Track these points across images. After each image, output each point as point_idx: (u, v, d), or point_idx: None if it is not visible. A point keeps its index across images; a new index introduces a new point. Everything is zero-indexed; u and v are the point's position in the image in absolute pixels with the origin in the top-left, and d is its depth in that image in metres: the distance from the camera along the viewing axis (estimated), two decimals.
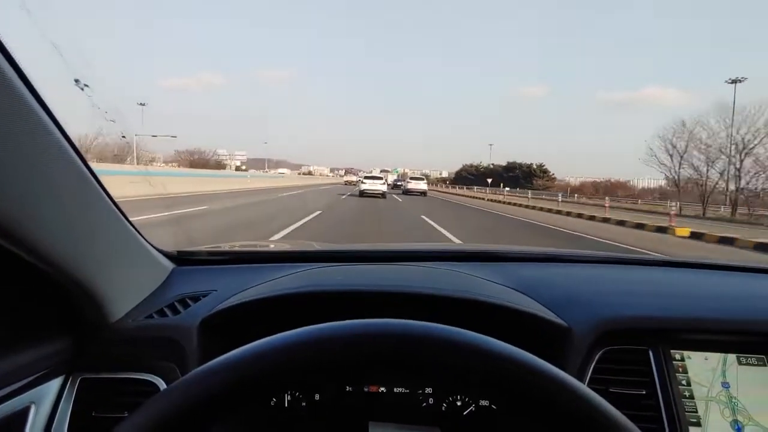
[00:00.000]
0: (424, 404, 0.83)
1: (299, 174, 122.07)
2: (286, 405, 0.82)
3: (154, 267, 0.86)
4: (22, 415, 0.61)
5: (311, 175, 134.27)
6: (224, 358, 0.36)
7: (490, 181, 44.67)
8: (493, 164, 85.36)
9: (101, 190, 0.63)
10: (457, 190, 53.10)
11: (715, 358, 0.77)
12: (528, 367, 0.36)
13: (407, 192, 30.48)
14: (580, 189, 57.22)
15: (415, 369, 0.38)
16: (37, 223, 0.51)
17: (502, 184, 46.65)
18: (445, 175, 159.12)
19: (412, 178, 36.31)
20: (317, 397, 0.83)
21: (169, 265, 0.92)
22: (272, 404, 0.82)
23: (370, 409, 0.83)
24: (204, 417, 0.34)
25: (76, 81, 0.65)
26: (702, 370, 0.76)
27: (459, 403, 0.83)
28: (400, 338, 0.37)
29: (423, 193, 29.88)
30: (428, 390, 0.84)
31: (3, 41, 0.43)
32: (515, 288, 0.87)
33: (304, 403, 0.82)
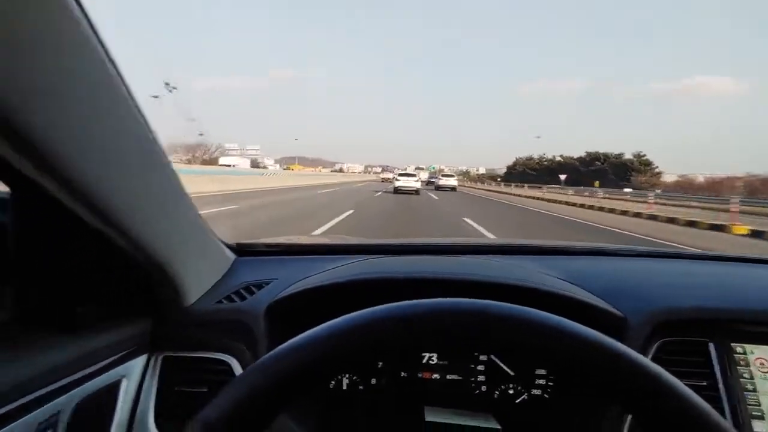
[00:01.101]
0: (477, 392, 0.86)
1: (330, 171, 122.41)
2: (344, 387, 0.87)
3: (220, 257, 0.93)
4: (115, 386, 0.68)
5: (342, 172, 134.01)
6: (306, 336, 0.38)
7: (563, 177, 36.39)
8: (562, 156, 74.47)
9: (179, 184, 0.69)
10: (512, 189, 42.97)
11: None
12: (607, 348, 0.37)
13: (438, 188, 33.71)
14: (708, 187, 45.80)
15: (514, 351, 0.38)
16: (133, 214, 0.57)
17: (597, 184, 35.26)
18: (482, 171, 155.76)
19: (443, 176, 40.11)
20: (373, 381, 0.87)
21: (232, 255, 0.99)
22: (331, 386, 0.86)
23: (424, 395, 0.86)
24: (286, 394, 0.36)
25: (166, 84, 0.71)
26: (766, 363, 0.74)
27: (511, 392, 0.85)
28: (493, 317, 0.38)
29: (453, 189, 33.45)
30: (480, 378, 0.86)
31: (108, 50, 0.48)
32: (567, 279, 0.88)
33: (361, 387, 0.86)
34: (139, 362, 0.74)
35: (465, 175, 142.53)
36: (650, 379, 0.35)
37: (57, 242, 0.61)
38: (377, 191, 23.48)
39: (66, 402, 0.58)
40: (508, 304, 0.39)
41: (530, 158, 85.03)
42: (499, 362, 0.87)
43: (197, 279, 0.81)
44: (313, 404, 0.82)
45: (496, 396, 0.86)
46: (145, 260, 0.65)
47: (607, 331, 0.77)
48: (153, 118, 0.59)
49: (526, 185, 46.28)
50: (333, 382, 0.86)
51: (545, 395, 0.85)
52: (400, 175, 25.80)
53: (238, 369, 0.76)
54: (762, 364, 0.74)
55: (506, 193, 32.65)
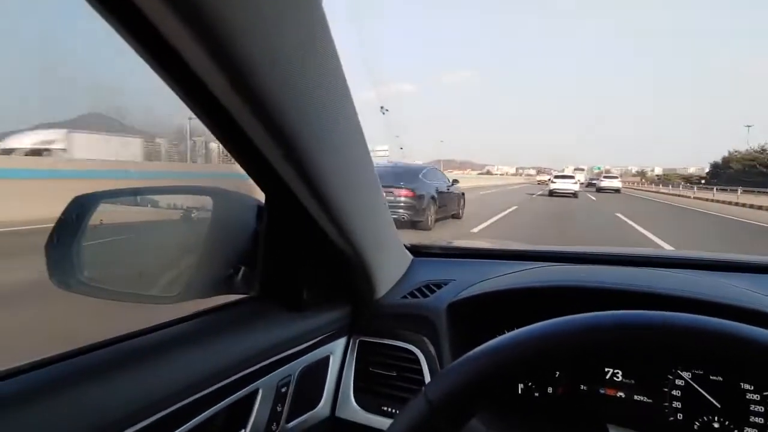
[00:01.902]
0: (671, 419, 0.77)
1: (477, 174, 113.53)
2: (519, 392, 0.87)
3: (403, 256, 1.02)
4: (325, 361, 0.82)
5: (489, 174, 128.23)
6: (527, 330, 0.40)
7: None
8: None
9: (382, 192, 0.79)
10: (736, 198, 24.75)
11: None
12: None
13: (600, 190, 31.36)
14: None
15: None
16: (352, 220, 0.69)
17: None
18: (658, 171, 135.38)
19: (605, 177, 36.91)
20: (550, 390, 0.85)
21: (410, 256, 1.07)
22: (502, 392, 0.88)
23: (608, 413, 0.81)
24: (503, 381, 0.39)
25: (381, 107, 0.83)
26: None
27: (716, 425, 0.74)
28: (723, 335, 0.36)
29: (617, 191, 30.99)
30: (676, 404, 0.77)
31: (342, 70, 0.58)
32: None
33: (536, 394, 0.86)
34: (341, 343, 0.87)
35: (641, 175, 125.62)
36: None
37: (293, 239, 0.76)
38: (532, 194, 22.50)
39: (295, 368, 0.73)
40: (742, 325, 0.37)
41: (764, 150, 57.04)
42: (699, 389, 0.76)
43: (387, 275, 0.92)
44: (493, 404, 0.84)
45: (695, 428, 0.76)
46: (353, 257, 0.77)
47: None
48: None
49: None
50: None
51: None
52: (557, 177, 24.81)
53: (422, 359, 0.83)
54: None
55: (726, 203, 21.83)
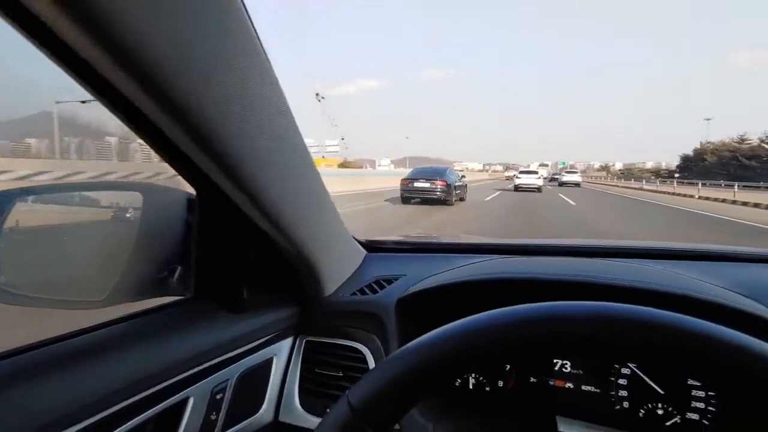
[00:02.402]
0: (618, 407, 0.79)
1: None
2: (470, 387, 0.86)
3: (354, 252, 1.00)
4: (268, 363, 0.79)
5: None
6: (455, 326, 0.39)
7: None
8: None
9: (324, 186, 0.76)
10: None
11: None
12: None
13: (562, 184, 33.42)
14: None
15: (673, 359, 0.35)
16: (291, 216, 0.66)
17: None
18: (619, 166, 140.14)
19: (566, 172, 39.92)
20: (500, 384, 0.85)
21: (363, 251, 1.05)
22: (457, 385, 0.87)
23: (557, 404, 0.81)
24: (429, 382, 0.38)
25: (317, 94, 0.80)
26: None
27: (660, 412, 0.76)
28: (651, 325, 0.35)
29: (577, 185, 32.59)
30: (622, 393, 0.78)
31: (273, 67, 0.56)
32: (734, 290, 0.75)
33: (488, 388, 0.85)
34: (286, 344, 0.84)
35: (605, 170, 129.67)
36: None
37: (229, 237, 0.72)
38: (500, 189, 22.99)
39: (233, 372, 0.69)
40: (669, 314, 0.36)
41: (743, 140, 50.20)
42: (644, 377, 0.78)
43: (335, 272, 0.89)
44: (441, 400, 0.84)
45: (641, 415, 0.77)
46: (295, 254, 0.74)
47: None
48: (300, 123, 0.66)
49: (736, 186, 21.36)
50: (459, 381, 0.87)
51: (704, 421, 0.74)
52: (521, 172, 25.64)
53: (369, 357, 0.81)
54: None
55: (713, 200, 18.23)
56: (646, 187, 33.61)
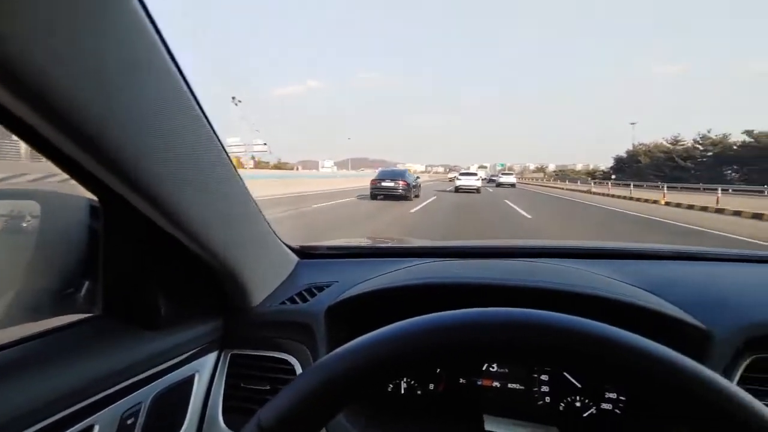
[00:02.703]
0: (540, 402, 0.82)
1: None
2: (401, 392, 0.87)
3: (284, 260, 0.97)
4: (189, 381, 0.74)
5: None
6: (364, 339, 0.38)
7: None
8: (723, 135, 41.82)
9: (247, 192, 0.73)
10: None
11: None
12: (687, 371, 0.33)
13: (499, 185, 35.48)
14: None
15: (570, 363, 0.36)
16: (204, 221, 0.62)
17: None
18: (552, 168, 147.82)
19: (503, 174, 42.84)
20: (431, 387, 0.86)
21: (295, 258, 1.02)
22: (389, 390, 0.87)
23: (484, 403, 0.84)
24: (341, 397, 0.37)
25: (233, 98, 0.75)
26: None
27: (578, 405, 0.81)
28: (551, 329, 0.36)
29: (512, 185, 34.99)
30: (544, 388, 0.82)
31: (180, 65, 0.52)
32: (642, 287, 0.81)
33: (419, 392, 0.86)
34: (210, 359, 0.79)
35: (542, 171, 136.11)
36: (717, 394, 0.32)
37: (140, 246, 0.67)
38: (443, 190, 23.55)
39: (147, 394, 0.64)
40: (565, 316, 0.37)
41: (677, 141, 48.29)
42: (564, 373, 0.82)
43: (263, 281, 0.86)
44: (370, 407, 0.83)
45: (561, 408, 0.81)
46: (216, 264, 0.69)
47: (687, 345, 0.71)
48: (221, 128, 0.63)
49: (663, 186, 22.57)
50: (391, 386, 0.87)
51: (616, 410, 0.80)
52: (461, 174, 26.26)
53: (299, 369, 0.79)
54: None
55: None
56: (581, 187, 34.39)
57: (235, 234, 0.71)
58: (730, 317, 0.72)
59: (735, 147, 42.00)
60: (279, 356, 0.81)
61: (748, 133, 40.46)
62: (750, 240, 7.30)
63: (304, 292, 0.89)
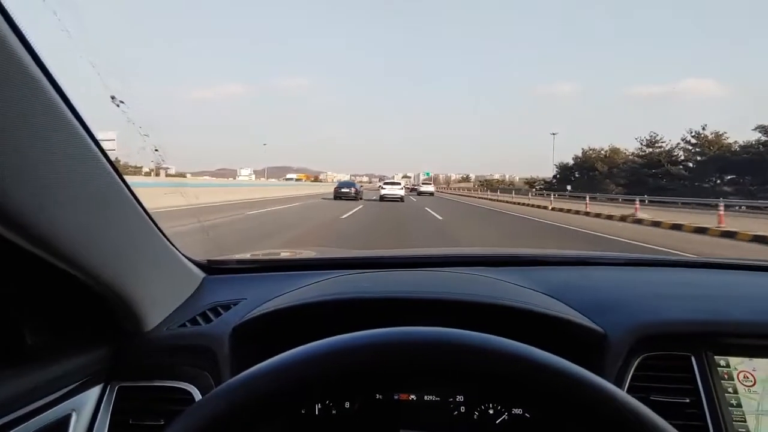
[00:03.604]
0: (456, 412, 0.82)
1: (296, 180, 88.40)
2: (316, 413, 0.82)
3: (186, 276, 0.88)
4: (63, 422, 0.63)
5: (319, 182, 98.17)
6: (258, 368, 0.36)
7: None
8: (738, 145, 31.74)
9: (135, 202, 0.65)
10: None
11: (763, 364, 0.73)
12: (570, 376, 0.35)
13: (420, 193, 37.37)
14: None
15: (452, 378, 0.37)
16: (75, 235, 0.53)
17: None
18: (472, 178, 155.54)
19: (423, 183, 45.71)
20: (347, 405, 0.83)
21: (200, 274, 0.94)
22: (303, 413, 0.82)
23: (401, 417, 0.82)
24: (238, 427, 0.34)
25: (113, 98, 0.66)
26: (750, 377, 0.72)
27: (491, 412, 0.82)
28: (436, 346, 0.36)
29: (431, 194, 36.95)
30: (459, 398, 0.82)
31: (41, 56, 0.44)
32: (546, 293, 0.85)
33: (334, 411, 0.82)
34: (92, 394, 0.69)
35: (465, 180, 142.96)
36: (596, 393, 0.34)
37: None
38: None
39: None
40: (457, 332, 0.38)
41: (654, 142, 39.56)
42: None
43: (159, 302, 0.77)
44: (282, 428, 0.78)
45: (475, 417, 0.82)
46: (98, 285, 0.60)
47: (586, 348, 0.75)
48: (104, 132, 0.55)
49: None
50: (303, 409, 0.82)
51: (526, 414, 0.82)
52: (386, 183, 27.02)
53: (198, 398, 0.71)
54: (746, 377, 0.72)
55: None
56: (521, 200, 27.82)
57: (122, 250, 0.62)
58: (623, 319, 0.77)
59: (733, 149, 32.48)
60: (176, 386, 0.72)
61: (764, 129, 30.21)
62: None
63: (208, 312, 0.81)
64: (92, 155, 0.53)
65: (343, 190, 24.87)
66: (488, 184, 78.71)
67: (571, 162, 50.66)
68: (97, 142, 0.54)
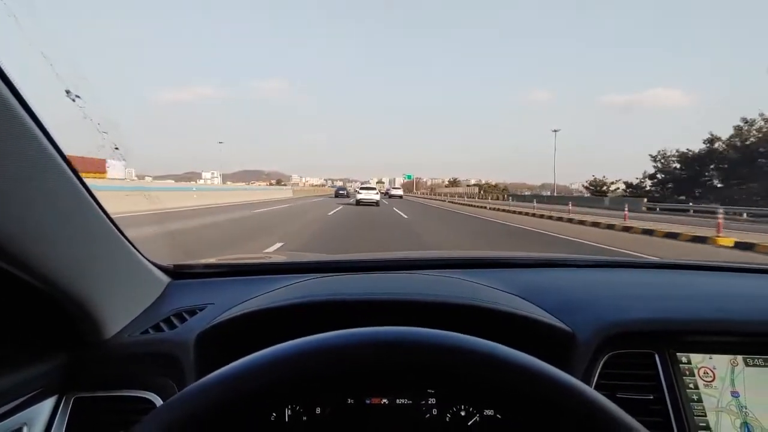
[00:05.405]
0: (428, 415, 0.82)
1: (268, 185, 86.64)
2: (286, 420, 0.80)
3: (149, 281, 0.84)
4: None
5: (284, 186, 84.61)
6: (221, 372, 0.35)
7: None
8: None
9: (94, 204, 0.62)
10: None
11: (722, 360, 0.76)
12: (536, 373, 0.35)
13: (391, 197, 45.00)
14: None
15: (421, 377, 0.37)
16: (28, 238, 0.50)
17: None
18: (442, 181, 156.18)
19: (393, 188, 52.81)
20: (318, 410, 0.81)
21: (165, 278, 0.90)
22: (272, 419, 0.79)
23: (373, 422, 0.81)
24: None
25: (67, 92, 0.63)
26: (710, 373, 0.75)
27: (463, 413, 0.82)
28: (403, 346, 0.36)
29: (400, 197, 45.56)
30: (431, 401, 0.82)
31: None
32: (516, 294, 0.86)
33: (305, 417, 0.80)
34: (45, 407, 0.65)
35: (454, 185, 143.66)
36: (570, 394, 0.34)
37: None
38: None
39: None
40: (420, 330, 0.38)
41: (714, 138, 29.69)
42: None
43: (120, 308, 0.73)
44: None
45: (447, 419, 0.82)
46: (52, 291, 0.57)
47: (556, 347, 0.76)
48: (59, 128, 0.52)
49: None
50: (274, 414, 0.80)
51: (498, 415, 0.82)
52: (362, 188, 27.26)
53: None
54: (706, 373, 0.75)
55: None
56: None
57: (79, 253, 0.59)
58: (590, 319, 0.79)
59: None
60: (138, 395, 0.69)
61: None
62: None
63: (172, 318, 0.78)
64: (46, 153, 0.50)
65: (340, 192, 45.75)
66: (493, 190, 59.60)
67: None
68: (51, 139, 0.51)
